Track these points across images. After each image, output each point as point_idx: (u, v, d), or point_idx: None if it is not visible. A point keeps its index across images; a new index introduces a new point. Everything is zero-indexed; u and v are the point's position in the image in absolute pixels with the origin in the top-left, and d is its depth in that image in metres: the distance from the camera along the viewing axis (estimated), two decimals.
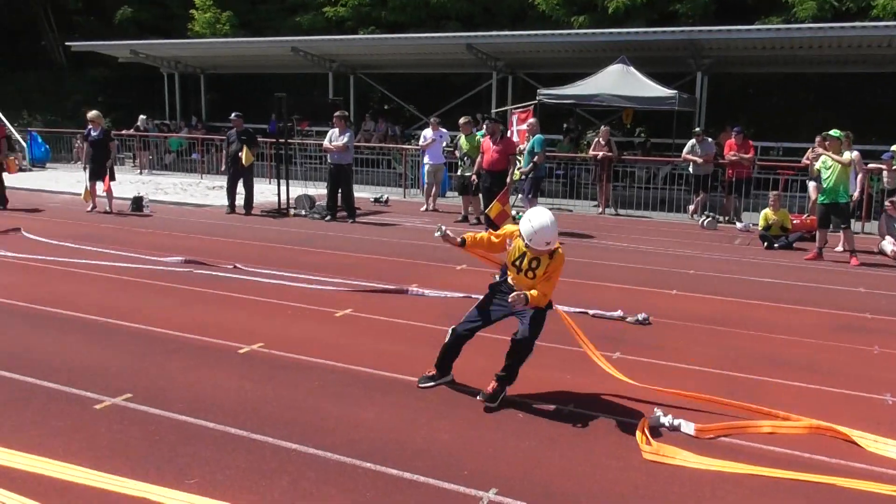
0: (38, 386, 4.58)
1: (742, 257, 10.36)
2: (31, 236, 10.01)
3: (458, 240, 4.76)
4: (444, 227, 4.78)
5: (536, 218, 4.33)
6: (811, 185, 12.98)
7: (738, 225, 13.31)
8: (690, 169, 14.38)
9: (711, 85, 18.37)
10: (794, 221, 11.83)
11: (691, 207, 14.51)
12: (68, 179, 17.99)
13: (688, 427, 4.18)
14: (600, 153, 14.97)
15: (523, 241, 4.39)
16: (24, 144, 22.45)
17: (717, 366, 5.40)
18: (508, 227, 4.66)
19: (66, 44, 26.54)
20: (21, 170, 18.84)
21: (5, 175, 13.49)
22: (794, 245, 11.19)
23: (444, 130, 15.01)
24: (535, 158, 11.93)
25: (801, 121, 19.05)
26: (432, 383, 4.75)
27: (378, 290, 7.49)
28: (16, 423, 4.02)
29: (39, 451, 3.67)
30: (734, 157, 13.79)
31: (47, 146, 22.84)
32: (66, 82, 31.36)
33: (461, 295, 7.20)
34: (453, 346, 4.71)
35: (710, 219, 13.22)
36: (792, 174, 14.55)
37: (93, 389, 4.51)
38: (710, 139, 14.41)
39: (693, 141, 14.13)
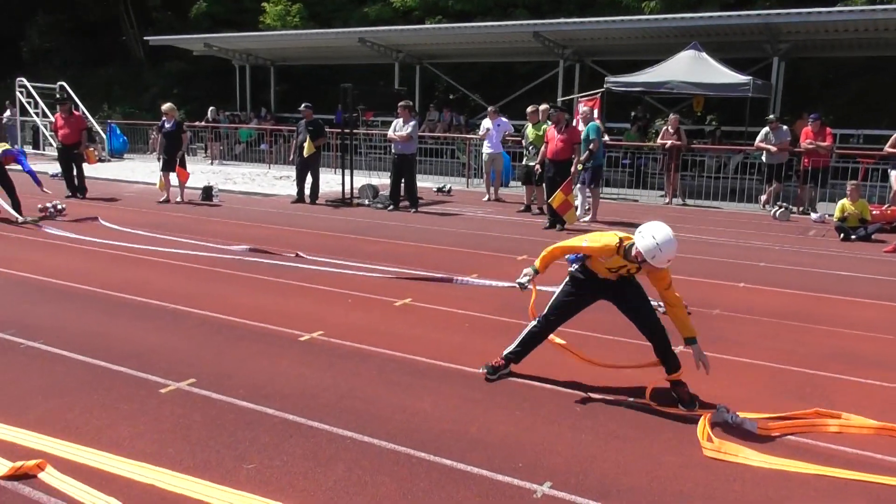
0: (108, 370, 4.76)
1: (816, 249, 9.97)
2: (108, 224, 10.41)
3: (531, 271, 4.56)
4: (520, 283, 4.59)
5: (660, 233, 4.05)
6: (893, 174, 12.39)
7: (813, 216, 12.80)
8: (763, 158, 13.91)
9: (788, 70, 17.69)
10: (874, 212, 11.31)
11: (763, 197, 14.05)
12: (144, 170, 18.65)
13: (751, 425, 4.04)
14: (669, 142, 14.61)
15: (636, 260, 4.17)
16: (103, 136, 23.38)
17: (786, 361, 5.21)
18: (598, 242, 4.32)
19: (145, 38, 27.49)
20: (100, 160, 19.64)
21: (85, 165, 14.08)
22: (872, 237, 10.70)
23: (503, 119, 14.91)
24: (591, 146, 11.70)
25: (885, 107, 18.16)
26: (496, 376, 4.71)
27: (423, 279, 7.50)
28: (86, 405, 4.19)
29: (107, 434, 3.82)
30: (810, 146, 13.26)
31: (125, 137, 23.71)
32: (144, 76, 32.50)
33: (507, 284, 7.11)
34: (535, 338, 4.65)
35: (783, 209, 12.76)
36: (872, 162, 13.89)
37: (159, 374, 4.67)
38: (784, 126, 13.90)
39: (767, 129, 13.66)
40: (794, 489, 3.44)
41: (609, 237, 4.32)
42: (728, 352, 5.38)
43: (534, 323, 4.69)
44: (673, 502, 3.30)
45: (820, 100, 19.42)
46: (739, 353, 5.39)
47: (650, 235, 4.08)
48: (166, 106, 13.52)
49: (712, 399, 4.34)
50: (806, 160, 13.46)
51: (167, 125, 13.32)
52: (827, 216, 12.27)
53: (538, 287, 4.88)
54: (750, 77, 14.95)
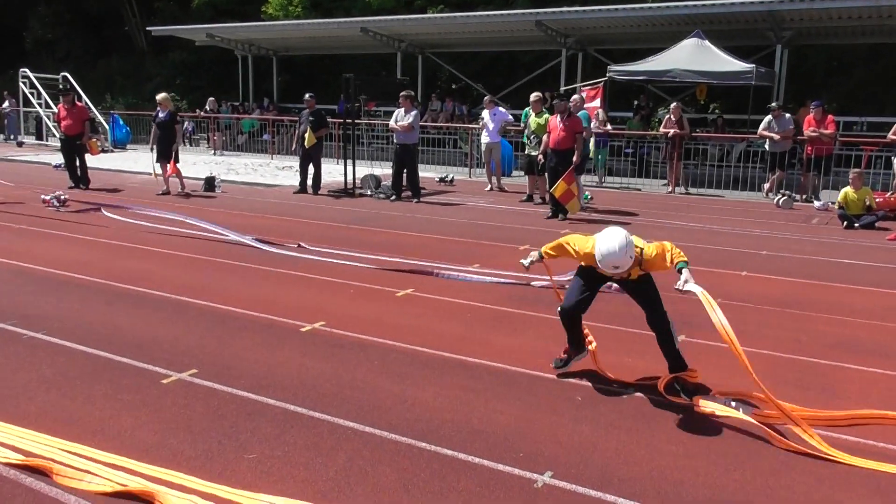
0: (110, 360, 4.77)
1: (819, 237, 9.95)
2: (111, 215, 10.40)
3: (536, 255, 4.69)
4: (526, 262, 4.76)
5: (605, 243, 4.10)
6: None
7: (816, 203, 12.77)
8: (767, 146, 13.86)
9: (792, 58, 17.60)
10: (877, 200, 11.26)
11: (766, 186, 14.01)
12: (147, 160, 18.55)
13: (746, 409, 4.03)
14: (671, 130, 14.56)
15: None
16: (106, 127, 23.38)
17: (788, 350, 5.20)
18: (581, 249, 4.36)
19: (147, 28, 27.44)
20: (103, 151, 19.63)
21: (87, 156, 14.08)
22: (876, 225, 10.66)
23: (500, 109, 14.84)
24: (583, 134, 11.65)
25: (888, 94, 18.08)
26: (564, 364, 4.65)
27: (404, 270, 7.47)
28: (88, 395, 4.21)
29: (109, 425, 3.83)
30: (814, 134, 13.20)
31: (128, 128, 23.71)
32: (147, 66, 32.46)
33: (492, 280, 7.11)
34: (570, 323, 4.57)
35: (786, 197, 12.73)
36: (876, 150, 13.84)
37: (161, 364, 4.68)
38: (787, 115, 13.84)
39: (769, 117, 13.61)
40: (796, 478, 3.43)
41: (589, 246, 4.29)
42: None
43: (560, 309, 4.59)
44: (673, 492, 3.30)
45: (823, 87, 19.35)
46: (741, 341, 5.32)
47: (599, 242, 4.15)
48: (161, 96, 13.43)
49: (711, 387, 4.34)
50: (809, 148, 13.41)
51: (161, 115, 13.23)
52: (830, 204, 12.23)
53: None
54: (753, 65, 14.89)
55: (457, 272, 7.33)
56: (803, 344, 5.37)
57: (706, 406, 4.11)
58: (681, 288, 4.19)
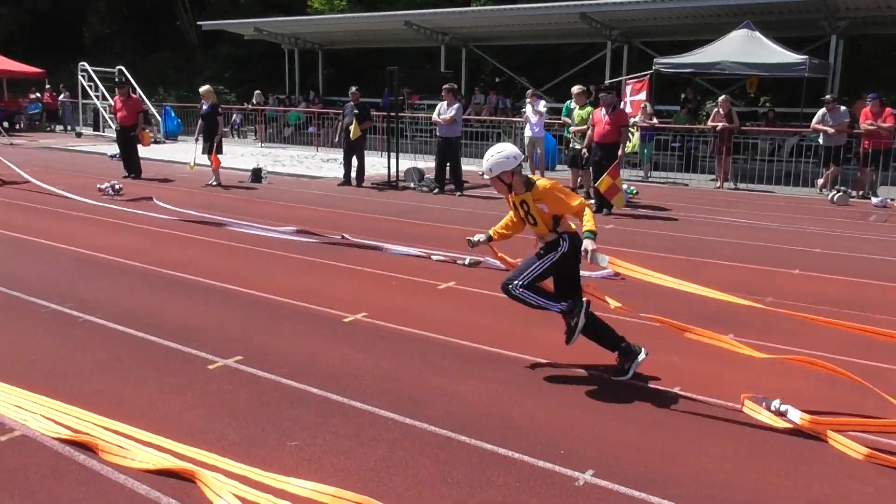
0: (158, 344, 4.89)
1: (877, 235, 9.63)
2: (162, 204, 10.61)
3: (483, 237, 4.88)
4: (470, 239, 4.94)
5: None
6: None
7: (874, 200, 12.37)
8: (821, 140, 13.47)
9: (847, 49, 17.06)
10: None
11: (820, 181, 13.61)
12: (197, 152, 18.92)
13: (794, 414, 3.89)
14: (720, 124, 14.25)
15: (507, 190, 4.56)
16: (158, 118, 23.89)
17: (845, 353, 5.00)
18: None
19: (198, 23, 27.93)
20: (155, 142, 20.07)
21: (140, 147, 14.40)
22: None
23: (539, 101, 14.61)
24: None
25: None
26: (623, 374, 4.45)
27: (354, 245, 7.92)
28: (139, 377, 4.32)
29: (158, 407, 3.91)
30: (871, 127, 12.78)
31: (179, 120, 24.18)
32: (198, 60, 33.08)
33: (423, 253, 7.61)
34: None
35: (841, 193, 12.35)
36: None
37: (207, 350, 4.76)
38: (842, 107, 13.43)
39: (823, 110, 13.22)
40: (853, 487, 3.30)
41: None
42: (781, 342, 5.22)
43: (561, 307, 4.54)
44: (720, 495, 3.21)
45: (880, 79, 18.70)
46: (793, 342, 5.23)
47: None
48: (203, 89, 13.65)
49: (764, 391, 4.21)
50: (866, 142, 12.99)
51: (204, 107, 13.42)
52: (889, 200, 11.85)
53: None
54: (806, 56, 14.46)
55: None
56: (861, 347, 5.18)
57: (753, 408, 4.00)
58: (588, 259, 4.30)
